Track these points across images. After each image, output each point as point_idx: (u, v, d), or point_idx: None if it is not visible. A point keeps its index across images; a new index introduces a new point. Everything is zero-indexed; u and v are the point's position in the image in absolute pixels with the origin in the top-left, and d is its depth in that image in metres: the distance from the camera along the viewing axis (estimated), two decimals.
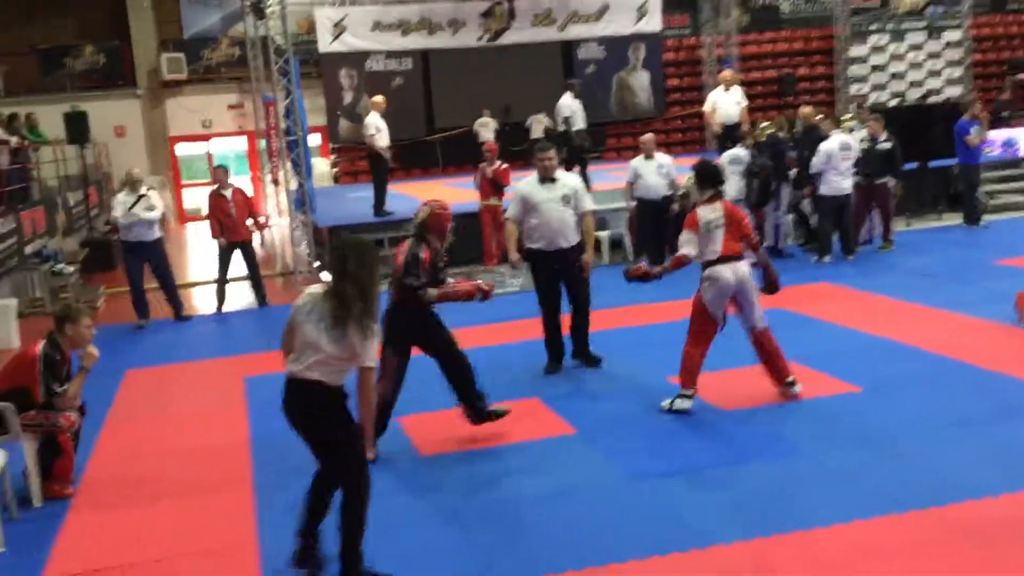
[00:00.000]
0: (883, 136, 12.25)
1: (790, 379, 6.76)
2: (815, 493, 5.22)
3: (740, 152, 12.09)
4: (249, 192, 12.67)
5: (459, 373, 6.32)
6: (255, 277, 11.90)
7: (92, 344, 6.12)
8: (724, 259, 6.55)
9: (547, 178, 7.72)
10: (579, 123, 14.67)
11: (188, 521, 5.50)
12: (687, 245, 6.59)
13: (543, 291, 7.84)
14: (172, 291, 11.30)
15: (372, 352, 4.41)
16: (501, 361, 8.09)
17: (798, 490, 5.30)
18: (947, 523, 4.76)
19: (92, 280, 14.22)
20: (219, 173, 11.77)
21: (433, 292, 6.14)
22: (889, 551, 4.53)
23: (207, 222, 12.11)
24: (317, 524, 4.67)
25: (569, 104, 14.56)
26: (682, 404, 6.62)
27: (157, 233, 11.00)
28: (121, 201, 10.93)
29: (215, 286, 11.82)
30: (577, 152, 14.90)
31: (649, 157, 11.86)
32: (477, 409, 6.41)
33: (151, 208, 10.85)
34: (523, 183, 7.99)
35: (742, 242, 6.67)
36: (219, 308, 11.76)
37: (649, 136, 12.16)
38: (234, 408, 7.63)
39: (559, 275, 7.74)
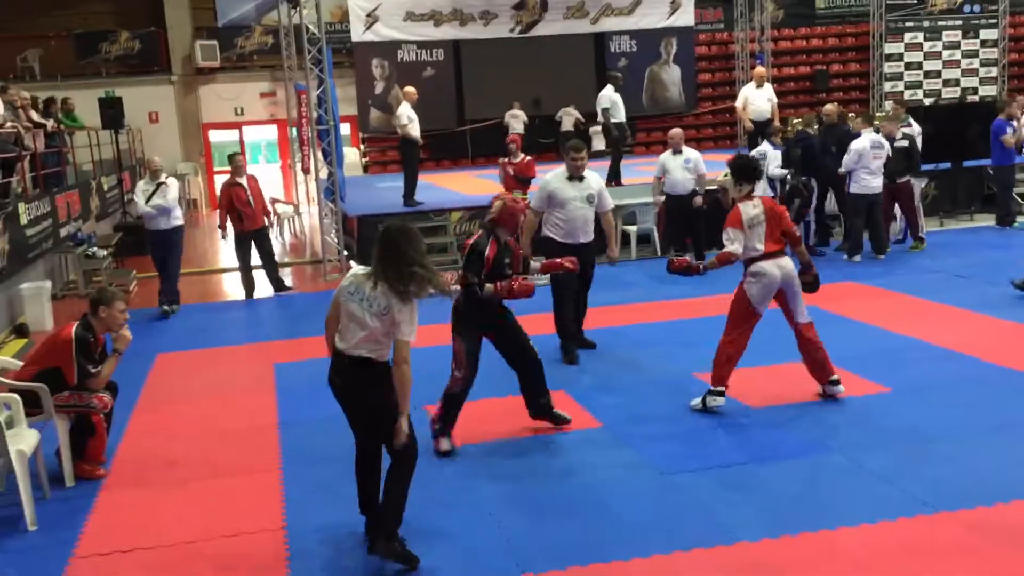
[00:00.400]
0: (899, 135, 12.12)
1: (834, 377, 6.69)
2: (842, 493, 5.21)
3: (768, 148, 12.02)
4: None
5: (525, 365, 6.32)
6: (272, 264, 12.07)
7: (126, 327, 6.20)
8: (769, 255, 6.49)
9: (575, 176, 7.96)
10: (619, 115, 14.67)
11: (217, 503, 5.57)
12: (733, 242, 6.46)
13: (565, 282, 7.86)
14: (166, 281, 11.05)
15: (411, 327, 4.51)
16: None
17: (826, 489, 5.28)
18: (976, 525, 4.72)
19: (124, 264, 14.36)
20: (237, 160, 11.77)
21: (489, 287, 6.08)
22: (915, 552, 4.52)
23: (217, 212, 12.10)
24: (375, 498, 4.84)
25: (610, 96, 14.55)
26: (714, 401, 6.57)
27: (175, 222, 10.96)
28: (142, 190, 11.00)
29: (240, 276, 11.92)
30: (616, 143, 14.88)
31: (677, 152, 11.81)
32: (539, 404, 6.42)
33: (163, 197, 10.77)
34: (551, 177, 8.14)
35: (784, 237, 6.60)
36: (249, 295, 11.85)
37: (677, 131, 12.08)
38: (263, 393, 7.71)
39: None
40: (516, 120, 20.22)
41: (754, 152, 12.02)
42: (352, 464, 4.96)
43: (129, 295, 12.01)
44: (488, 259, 6.07)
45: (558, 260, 6.82)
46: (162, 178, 10.91)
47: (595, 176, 8.27)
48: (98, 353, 6.13)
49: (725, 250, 6.49)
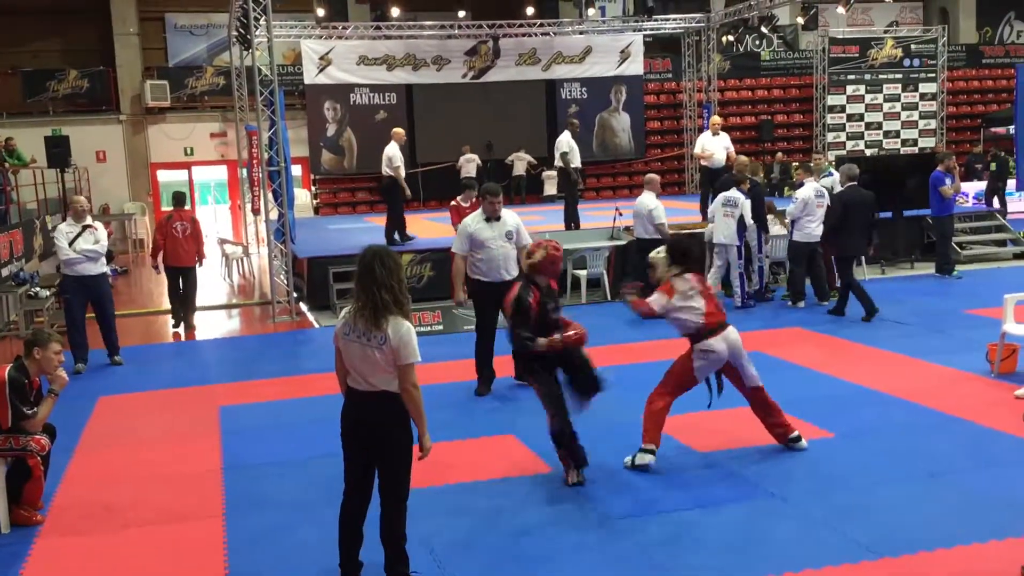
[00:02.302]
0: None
1: (794, 434, 6.67)
2: (787, 539, 5.25)
3: (735, 195, 12.09)
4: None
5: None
6: (190, 300, 12.37)
7: (61, 369, 6.09)
8: (714, 329, 6.40)
9: (492, 217, 8.38)
10: (575, 160, 15.00)
11: (158, 550, 5.45)
12: (657, 303, 6.40)
13: (483, 320, 8.44)
14: (110, 331, 10.37)
15: (411, 349, 4.53)
16: (474, 396, 8.23)
17: (770, 535, 5.32)
18: (918, 571, 4.79)
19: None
20: (180, 199, 12.41)
21: (542, 342, 6.03)
22: None
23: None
24: (358, 554, 4.82)
25: (568, 141, 14.89)
26: (644, 459, 6.42)
27: (103, 268, 10.22)
28: (64, 232, 9.96)
29: (171, 309, 12.26)
30: (573, 187, 15.11)
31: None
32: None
33: (96, 241, 9.94)
34: (469, 219, 8.55)
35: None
36: (177, 325, 12.28)
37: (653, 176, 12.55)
38: (207, 437, 7.58)
39: (498, 306, 7.83)
40: (470, 163, 20.37)
41: (720, 197, 12.06)
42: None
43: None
44: (533, 307, 6.06)
45: (567, 339, 6.19)
46: (88, 220, 10.08)
47: (511, 215, 8.62)
48: (33, 395, 6.00)
49: (649, 302, 6.43)
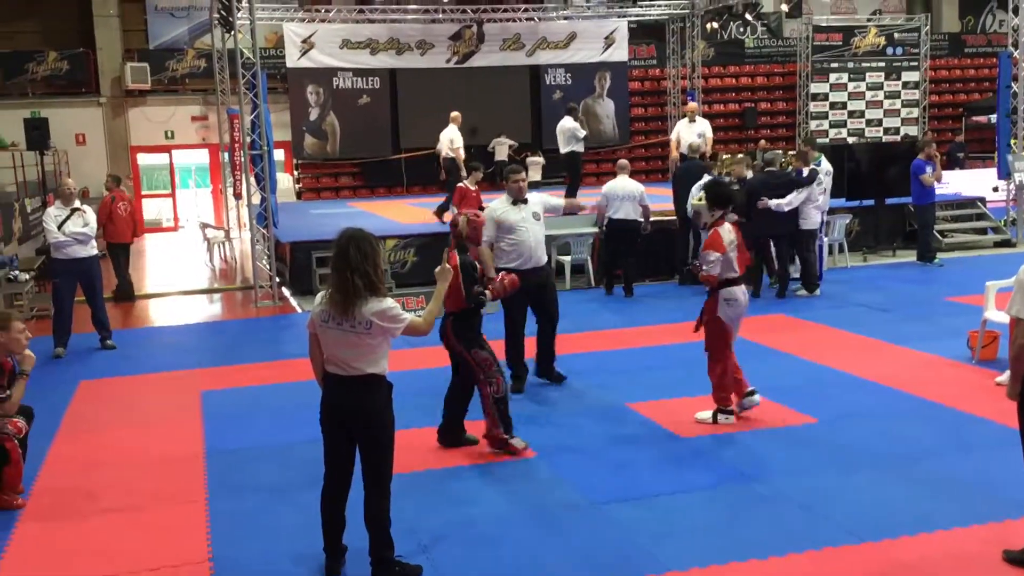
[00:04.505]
0: (749, 176, 12.40)
1: (750, 388, 7.01)
2: (771, 523, 5.27)
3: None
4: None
5: (468, 392, 6.58)
6: (127, 275, 13.43)
7: (28, 348, 6.03)
8: (738, 280, 6.83)
9: (519, 199, 7.87)
10: (581, 145, 15.21)
11: (140, 535, 5.42)
12: (716, 265, 6.71)
13: (514, 310, 7.85)
14: (101, 314, 10.39)
15: (401, 313, 4.56)
16: None
17: (754, 519, 5.34)
18: (900, 555, 4.83)
19: (47, 288, 13.96)
20: (117, 180, 13.60)
21: (490, 292, 6.47)
22: None
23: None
24: (341, 537, 4.81)
25: (577, 126, 15.01)
26: (726, 420, 6.86)
27: (93, 250, 10.20)
28: (53, 215, 9.95)
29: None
30: (576, 172, 15.32)
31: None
32: (452, 432, 6.64)
33: (86, 224, 9.95)
34: (495, 204, 8.03)
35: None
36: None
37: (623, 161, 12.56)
38: (189, 421, 7.54)
39: (532, 293, 7.78)
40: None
41: (698, 186, 12.05)
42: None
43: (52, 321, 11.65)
44: (479, 269, 6.51)
45: (505, 284, 6.59)
46: (76, 203, 10.07)
47: (536, 195, 8.31)
48: (6, 378, 5.94)
49: (709, 272, 6.74)
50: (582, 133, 15.06)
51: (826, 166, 12.56)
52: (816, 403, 7.33)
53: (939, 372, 8.24)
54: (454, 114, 15.67)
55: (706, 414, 6.94)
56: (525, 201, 7.91)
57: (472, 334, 6.45)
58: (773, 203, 11.52)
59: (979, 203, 16.49)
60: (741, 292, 6.87)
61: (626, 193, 11.95)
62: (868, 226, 15.07)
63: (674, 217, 13.03)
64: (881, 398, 7.52)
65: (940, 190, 14.54)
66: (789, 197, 11.56)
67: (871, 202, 14.90)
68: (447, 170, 15.57)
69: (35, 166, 18.10)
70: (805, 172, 11.86)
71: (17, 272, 12.53)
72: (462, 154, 15.38)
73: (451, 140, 15.25)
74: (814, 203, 11.78)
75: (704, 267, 6.75)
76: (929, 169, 13.62)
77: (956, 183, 17.38)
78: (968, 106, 26.09)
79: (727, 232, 6.84)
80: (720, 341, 6.88)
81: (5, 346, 5.93)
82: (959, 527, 5.09)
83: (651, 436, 6.76)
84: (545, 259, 8.00)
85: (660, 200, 13.89)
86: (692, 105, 16.83)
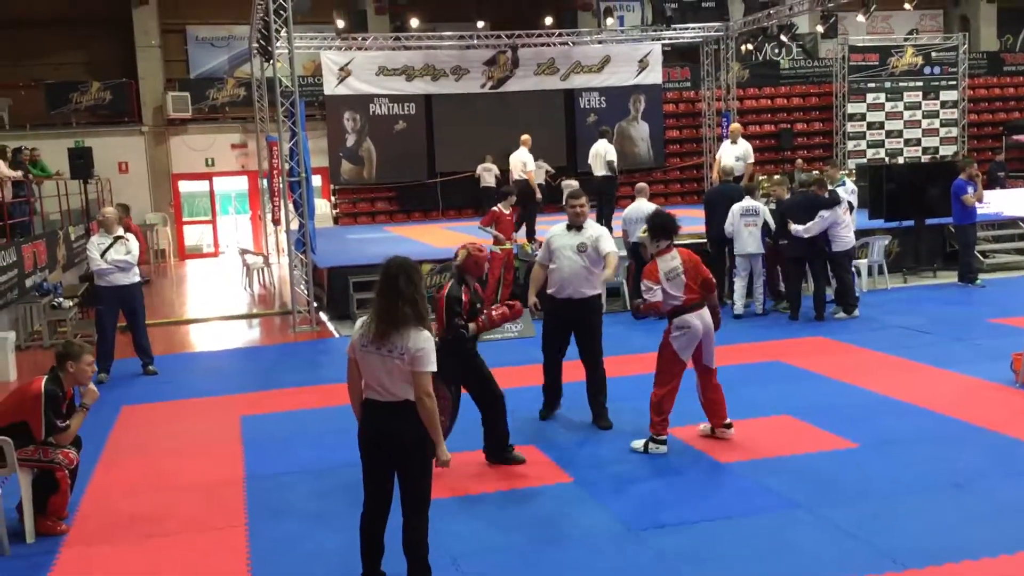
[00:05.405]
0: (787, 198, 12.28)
1: (728, 421, 7.05)
2: (812, 549, 5.22)
3: (752, 204, 11.96)
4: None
5: (493, 410, 6.70)
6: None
7: (92, 382, 6.14)
8: (689, 307, 6.84)
9: (574, 225, 7.69)
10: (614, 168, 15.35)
11: (181, 559, 5.48)
12: (652, 291, 6.81)
13: (548, 336, 7.89)
14: (143, 341, 10.52)
15: (429, 358, 4.54)
16: None
17: (795, 546, 5.29)
18: None
19: (90, 315, 14.19)
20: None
21: (472, 326, 6.54)
22: None
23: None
24: (380, 563, 4.83)
25: (609, 149, 15.12)
26: (657, 449, 6.86)
27: (135, 278, 10.31)
28: (96, 243, 10.15)
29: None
30: (610, 198, 15.40)
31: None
32: (497, 449, 6.77)
33: (128, 252, 10.11)
34: (555, 228, 7.90)
35: (702, 286, 6.91)
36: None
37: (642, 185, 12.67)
38: (229, 446, 7.62)
39: (569, 325, 7.73)
40: (488, 173, 20.35)
41: (737, 207, 11.96)
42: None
43: (95, 347, 11.83)
44: (464, 304, 6.52)
45: (492, 317, 6.65)
46: (118, 231, 10.21)
47: (595, 226, 7.88)
48: (65, 407, 6.05)
49: (648, 301, 6.84)
50: (611, 156, 15.04)
51: (849, 186, 12.46)
52: (856, 427, 7.24)
53: (982, 395, 8.11)
54: (524, 137, 15.79)
55: (639, 443, 6.95)
56: (579, 228, 7.67)
57: (451, 362, 6.19)
58: (794, 228, 11.46)
59: (1021, 223, 16.26)
60: (696, 318, 6.82)
61: (642, 216, 11.91)
62: (908, 247, 14.90)
63: (705, 240, 12.92)
64: (922, 422, 7.41)
65: (981, 210, 14.35)
66: (808, 224, 11.47)
67: (911, 223, 14.74)
68: (520, 192, 15.39)
69: (79, 194, 18.43)
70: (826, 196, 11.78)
71: (61, 299, 12.77)
72: (535, 177, 15.56)
73: (524, 163, 15.32)
74: (841, 224, 11.65)
75: (641, 297, 6.86)
76: (970, 189, 13.46)
77: (997, 203, 17.16)
78: (1008, 124, 25.80)
79: (667, 260, 6.86)
80: (667, 367, 6.92)
81: (74, 376, 6.04)
82: (1005, 554, 5.00)
83: (690, 461, 6.72)
84: (588, 293, 7.64)
85: (692, 222, 13.81)
86: (735, 126, 16.81)
